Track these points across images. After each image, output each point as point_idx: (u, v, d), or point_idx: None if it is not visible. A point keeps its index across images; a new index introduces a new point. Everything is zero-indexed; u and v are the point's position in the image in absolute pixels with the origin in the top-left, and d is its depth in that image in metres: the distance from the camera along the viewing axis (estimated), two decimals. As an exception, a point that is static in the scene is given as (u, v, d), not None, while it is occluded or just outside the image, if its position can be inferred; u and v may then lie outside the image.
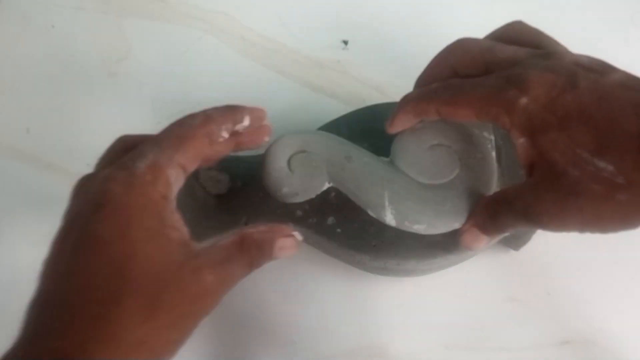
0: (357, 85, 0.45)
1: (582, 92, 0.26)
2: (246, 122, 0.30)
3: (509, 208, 0.28)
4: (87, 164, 0.42)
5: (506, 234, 0.31)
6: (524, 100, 0.26)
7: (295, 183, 0.33)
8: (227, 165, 0.37)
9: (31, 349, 0.23)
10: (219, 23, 0.47)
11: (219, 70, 0.45)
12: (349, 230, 0.34)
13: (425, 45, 0.47)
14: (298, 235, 0.29)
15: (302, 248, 0.37)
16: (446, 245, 0.33)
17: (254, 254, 0.27)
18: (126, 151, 0.28)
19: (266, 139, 0.32)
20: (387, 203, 0.33)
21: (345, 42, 0.47)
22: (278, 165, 0.33)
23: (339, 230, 0.34)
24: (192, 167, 0.28)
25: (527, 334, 0.36)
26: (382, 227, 0.34)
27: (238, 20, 0.48)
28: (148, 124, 0.42)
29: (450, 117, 0.30)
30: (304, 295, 0.37)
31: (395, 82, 0.45)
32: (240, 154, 0.40)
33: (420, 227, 0.33)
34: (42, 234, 0.39)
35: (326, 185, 0.34)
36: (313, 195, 0.34)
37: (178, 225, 0.26)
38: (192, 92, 0.44)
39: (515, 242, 0.36)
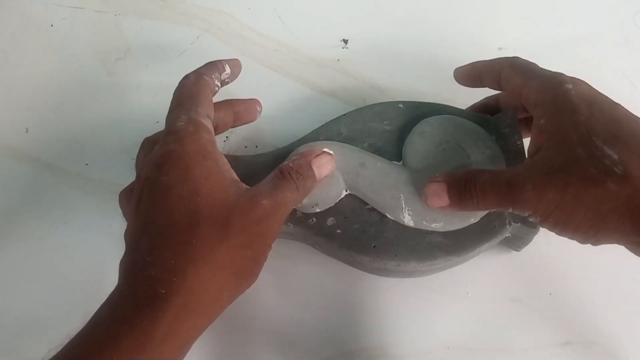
0: (357, 85, 0.45)
1: (620, 108, 0.30)
2: (227, 69, 0.36)
3: (495, 178, 0.30)
4: (85, 164, 0.42)
5: (467, 210, 0.32)
6: (569, 86, 0.30)
7: (314, 194, 0.33)
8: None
9: (131, 280, 0.28)
10: (218, 22, 0.47)
11: (219, 70, 0.45)
12: (349, 231, 0.34)
13: (425, 45, 0.47)
14: (329, 150, 0.33)
15: (302, 248, 0.37)
16: (446, 246, 0.33)
17: (296, 178, 0.31)
18: (154, 143, 0.32)
19: (258, 108, 0.39)
20: (403, 205, 0.33)
21: (345, 42, 0.46)
22: None
23: (339, 231, 0.34)
24: (212, 115, 0.33)
25: (528, 335, 0.36)
26: (382, 228, 0.34)
27: (237, 19, 0.47)
28: (147, 123, 0.42)
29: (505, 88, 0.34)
30: (304, 295, 0.37)
31: (395, 82, 0.45)
32: (240, 153, 0.40)
33: (438, 225, 0.33)
34: (41, 234, 0.40)
35: (344, 193, 0.34)
36: (332, 204, 0.34)
37: (228, 167, 0.31)
38: (192, 92, 0.44)
39: (516, 243, 0.36)
